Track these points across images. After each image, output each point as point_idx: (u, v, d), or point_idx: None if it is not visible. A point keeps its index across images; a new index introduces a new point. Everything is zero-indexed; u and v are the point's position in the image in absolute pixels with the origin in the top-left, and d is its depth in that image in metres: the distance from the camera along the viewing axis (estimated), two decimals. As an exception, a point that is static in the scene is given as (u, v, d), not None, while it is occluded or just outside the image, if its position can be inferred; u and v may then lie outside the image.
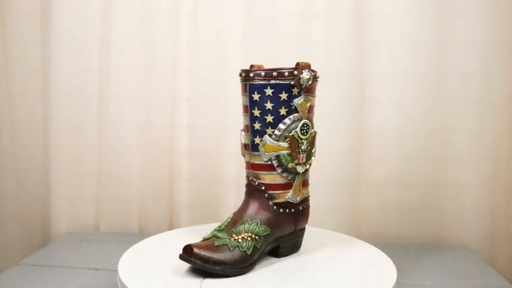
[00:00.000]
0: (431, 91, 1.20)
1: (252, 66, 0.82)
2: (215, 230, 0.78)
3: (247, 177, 0.81)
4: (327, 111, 1.22)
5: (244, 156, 0.83)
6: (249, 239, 0.75)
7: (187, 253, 0.73)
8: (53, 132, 1.29)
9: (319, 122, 1.23)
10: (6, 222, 1.35)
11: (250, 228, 0.77)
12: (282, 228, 0.80)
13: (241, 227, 0.77)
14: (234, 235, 0.76)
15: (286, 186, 0.80)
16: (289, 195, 0.80)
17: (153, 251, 0.86)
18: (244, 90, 0.80)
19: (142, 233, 1.28)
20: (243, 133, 0.82)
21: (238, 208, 0.80)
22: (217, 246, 0.74)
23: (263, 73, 0.78)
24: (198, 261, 0.72)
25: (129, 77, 1.26)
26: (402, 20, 1.18)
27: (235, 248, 0.74)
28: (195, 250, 0.72)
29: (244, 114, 0.81)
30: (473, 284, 0.99)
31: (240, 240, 0.75)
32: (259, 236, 0.76)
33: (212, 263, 0.72)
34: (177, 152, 1.27)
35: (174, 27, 1.24)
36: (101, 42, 1.26)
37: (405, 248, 1.18)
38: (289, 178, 0.80)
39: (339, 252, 0.86)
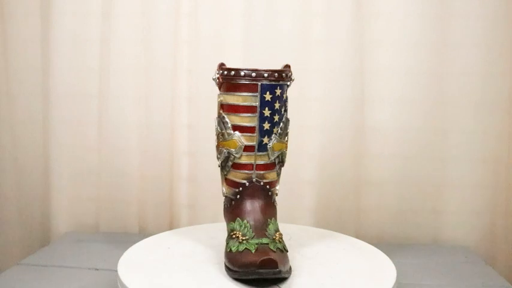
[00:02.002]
0: (431, 91, 1.20)
1: (222, 64, 0.83)
2: (246, 239, 0.74)
3: (248, 179, 0.81)
4: (327, 111, 1.22)
5: (233, 158, 0.81)
6: (282, 237, 0.77)
7: (271, 265, 0.68)
8: (53, 132, 1.29)
9: (319, 122, 1.23)
10: (6, 222, 1.35)
11: (276, 226, 0.78)
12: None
13: (271, 228, 0.77)
14: (274, 237, 0.75)
15: (277, 181, 0.84)
16: (278, 189, 0.84)
17: (153, 251, 0.86)
18: (252, 90, 0.79)
19: (142, 233, 1.28)
20: (237, 133, 0.80)
21: (245, 211, 0.79)
22: (275, 251, 0.73)
23: (276, 74, 0.80)
24: (284, 268, 0.70)
25: (129, 77, 1.25)
26: (402, 20, 1.18)
27: (284, 249, 0.75)
28: (277, 259, 0.69)
29: (249, 114, 0.79)
30: (473, 284, 0.99)
31: (281, 240, 0.76)
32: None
33: (289, 268, 0.72)
34: (177, 151, 1.28)
35: (174, 27, 1.24)
36: (101, 42, 1.26)
37: (405, 248, 1.18)
38: (278, 173, 0.84)
39: (339, 252, 0.86)
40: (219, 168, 0.85)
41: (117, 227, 1.29)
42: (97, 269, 1.02)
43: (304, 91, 1.21)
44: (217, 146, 0.83)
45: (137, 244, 0.90)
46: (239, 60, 1.20)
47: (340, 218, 1.23)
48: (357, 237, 1.15)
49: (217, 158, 0.84)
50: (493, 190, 1.22)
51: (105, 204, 1.30)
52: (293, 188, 1.23)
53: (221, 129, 0.82)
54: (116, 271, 0.77)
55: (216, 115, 0.84)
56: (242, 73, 0.79)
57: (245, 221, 0.77)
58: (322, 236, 0.94)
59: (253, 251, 0.72)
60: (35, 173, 1.33)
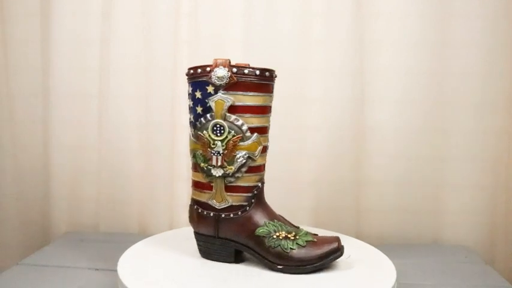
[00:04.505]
0: (432, 91, 1.20)
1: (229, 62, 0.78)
2: (296, 234, 0.77)
3: (261, 180, 0.80)
4: (327, 111, 1.22)
5: (250, 162, 0.78)
6: None
7: (341, 245, 0.76)
8: (53, 132, 1.29)
9: (319, 122, 1.23)
10: (6, 222, 1.35)
11: None
12: None
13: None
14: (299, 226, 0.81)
15: None
16: None
17: (153, 251, 0.86)
18: (269, 90, 0.79)
19: (143, 233, 1.28)
20: (256, 135, 0.77)
21: (269, 212, 0.79)
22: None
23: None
24: None
25: (129, 77, 1.26)
26: (402, 20, 1.18)
27: None
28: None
29: (266, 115, 0.79)
30: (473, 284, 0.99)
31: None
32: None
33: None
34: (177, 152, 1.27)
35: (174, 27, 1.24)
36: (101, 42, 1.26)
37: (405, 248, 1.18)
38: None
39: (339, 252, 0.86)
40: (219, 179, 0.78)
41: (117, 227, 1.30)
42: (97, 269, 1.02)
43: (304, 91, 1.22)
44: (227, 154, 0.76)
45: (137, 244, 0.90)
46: (239, 61, 1.20)
47: (340, 218, 1.23)
48: (357, 237, 1.15)
49: (221, 167, 0.77)
50: (493, 190, 1.22)
51: (105, 204, 1.30)
52: (293, 188, 1.23)
53: (236, 133, 0.76)
54: (116, 271, 0.77)
55: (210, 119, 0.77)
56: (267, 73, 0.77)
57: (275, 221, 0.78)
58: (322, 236, 0.94)
59: (316, 241, 0.76)
60: (35, 172, 1.33)
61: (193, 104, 0.79)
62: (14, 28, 1.29)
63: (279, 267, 0.75)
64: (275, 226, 0.77)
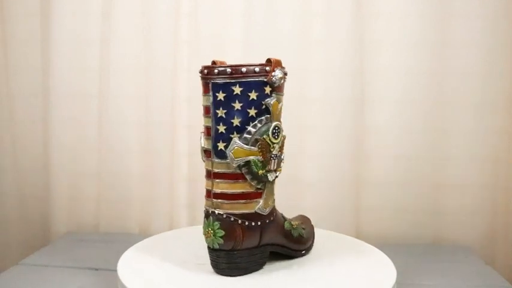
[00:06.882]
0: (432, 91, 1.20)
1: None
2: (295, 221, 0.83)
3: None
4: (327, 111, 1.22)
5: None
6: None
7: None
8: (53, 132, 1.29)
9: (319, 122, 1.23)
10: (6, 222, 1.35)
11: None
12: None
13: None
14: None
15: None
16: None
17: (153, 251, 0.86)
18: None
19: (143, 233, 1.28)
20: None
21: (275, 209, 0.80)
22: None
23: None
24: None
25: (129, 77, 1.26)
26: (402, 20, 1.18)
27: None
28: None
29: None
30: (473, 284, 0.99)
31: None
32: None
33: None
34: (177, 152, 1.28)
35: (174, 27, 1.24)
36: (101, 42, 1.26)
37: (405, 248, 1.19)
38: None
39: (338, 252, 0.86)
40: (270, 183, 0.74)
41: (117, 227, 1.30)
42: (97, 269, 1.02)
43: (304, 91, 1.22)
44: (280, 156, 0.74)
45: (137, 244, 0.90)
46: (239, 61, 1.20)
47: (340, 218, 1.23)
48: (357, 237, 1.15)
49: (275, 171, 0.74)
50: (493, 190, 1.22)
51: (105, 204, 1.30)
52: (293, 188, 1.23)
53: (284, 135, 0.75)
54: (116, 271, 0.77)
55: (271, 122, 0.72)
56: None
57: (285, 218, 0.81)
58: (321, 236, 0.94)
59: (302, 221, 0.86)
60: (35, 173, 1.33)
61: (242, 106, 0.70)
62: (14, 28, 1.29)
63: (302, 252, 0.82)
64: (289, 220, 0.81)
